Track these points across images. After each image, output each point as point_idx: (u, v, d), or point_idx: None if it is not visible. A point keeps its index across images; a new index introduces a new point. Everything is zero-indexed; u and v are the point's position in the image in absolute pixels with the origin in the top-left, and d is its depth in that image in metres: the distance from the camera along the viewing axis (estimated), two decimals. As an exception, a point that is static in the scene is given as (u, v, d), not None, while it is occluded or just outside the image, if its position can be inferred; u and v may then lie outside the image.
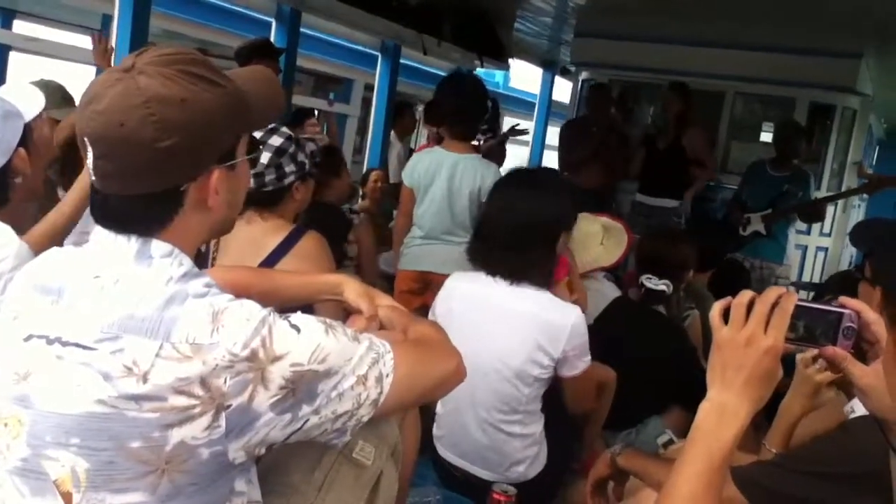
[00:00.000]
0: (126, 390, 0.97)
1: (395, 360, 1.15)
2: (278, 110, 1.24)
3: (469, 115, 3.37)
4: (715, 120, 6.04)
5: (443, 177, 3.31)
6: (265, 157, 2.00)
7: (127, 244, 1.05)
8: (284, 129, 2.10)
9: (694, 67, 5.78)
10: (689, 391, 2.79)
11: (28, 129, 1.47)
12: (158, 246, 1.05)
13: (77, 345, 1.00)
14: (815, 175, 5.73)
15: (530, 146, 8.47)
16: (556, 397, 2.29)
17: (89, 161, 1.03)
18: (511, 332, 2.18)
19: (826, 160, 5.98)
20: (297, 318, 1.09)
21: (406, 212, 3.47)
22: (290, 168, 2.07)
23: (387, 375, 1.14)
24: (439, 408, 2.35)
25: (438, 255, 3.33)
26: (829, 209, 5.72)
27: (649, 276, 2.96)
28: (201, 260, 1.85)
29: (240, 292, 1.17)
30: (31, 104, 1.61)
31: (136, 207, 1.04)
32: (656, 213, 5.58)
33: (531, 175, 2.42)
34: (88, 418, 0.98)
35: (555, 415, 2.31)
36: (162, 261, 1.05)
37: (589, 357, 2.22)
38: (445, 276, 3.25)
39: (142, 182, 1.03)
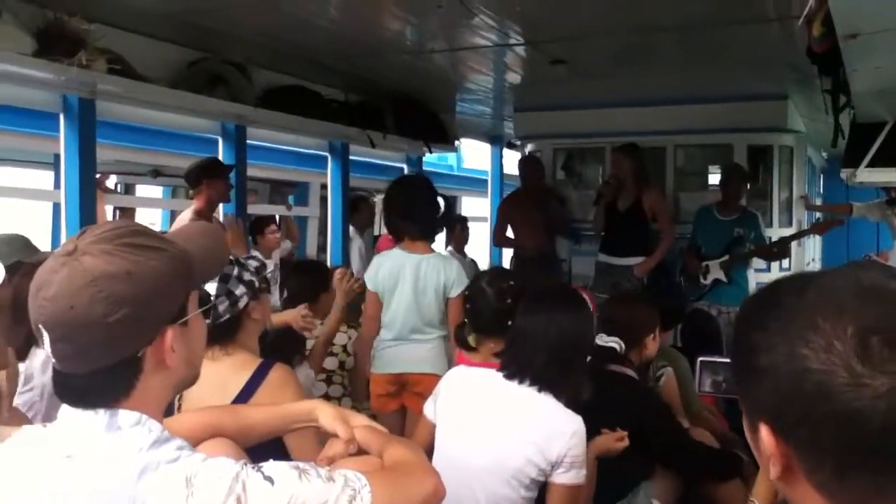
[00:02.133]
0: None
1: (373, 491, 1.16)
2: (222, 263, 1.29)
3: (421, 218, 3.45)
4: (660, 174, 6.23)
5: (407, 278, 3.37)
6: (212, 289, 2.00)
7: (95, 418, 1.07)
8: None
9: (632, 126, 6.01)
10: (672, 452, 2.83)
11: None
12: (126, 416, 1.08)
13: None
14: (765, 212, 5.94)
15: (489, 220, 8.60)
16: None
17: (47, 346, 1.06)
18: (512, 433, 2.18)
19: (773, 197, 6.18)
20: (270, 468, 1.10)
21: (373, 315, 3.50)
22: (240, 290, 2.07)
23: None
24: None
25: (411, 355, 3.39)
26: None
27: (601, 334, 3.03)
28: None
29: (214, 434, 1.18)
30: None
31: (98, 381, 1.07)
32: (619, 271, 5.68)
33: (565, 294, 2.50)
34: None
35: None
36: (131, 430, 1.07)
37: (584, 472, 2.21)
38: (421, 375, 3.33)
39: (100, 357, 1.06)
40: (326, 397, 3.42)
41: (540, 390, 2.20)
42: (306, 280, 3.52)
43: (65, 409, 1.10)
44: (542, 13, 3.82)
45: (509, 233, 6.35)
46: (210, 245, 1.24)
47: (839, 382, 0.70)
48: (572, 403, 2.22)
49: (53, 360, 1.08)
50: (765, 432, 0.77)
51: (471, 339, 2.51)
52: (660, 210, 5.63)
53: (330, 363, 3.52)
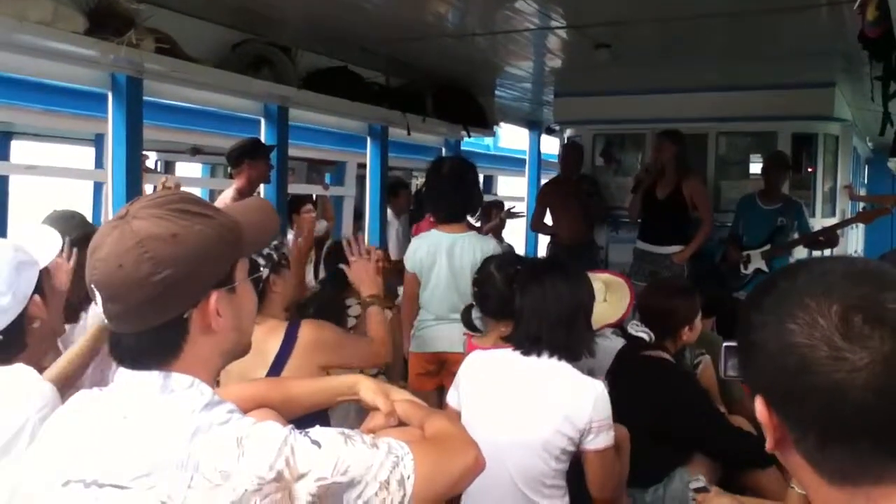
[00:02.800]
0: None
1: (415, 460, 1.18)
2: (271, 234, 1.31)
3: (450, 202, 3.47)
4: (702, 161, 6.14)
5: (443, 258, 3.40)
6: None
7: (149, 380, 1.11)
8: None
9: (673, 113, 5.92)
10: (708, 437, 2.81)
11: (43, 274, 1.54)
12: (179, 378, 1.11)
13: (113, 485, 1.05)
14: (808, 201, 5.83)
15: (525, 203, 8.59)
16: (576, 472, 2.32)
17: (99, 306, 1.11)
18: (537, 406, 2.23)
19: (816, 186, 6.07)
20: (317, 433, 1.14)
21: (411, 296, 3.55)
22: (259, 263, 2.15)
23: (408, 477, 1.17)
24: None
25: (450, 335, 3.39)
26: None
27: (634, 322, 3.03)
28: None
29: (259, 406, 1.20)
30: (47, 249, 1.68)
31: (147, 341, 1.11)
32: (655, 259, 5.64)
33: (557, 265, 2.57)
34: None
35: (577, 488, 2.34)
36: (184, 392, 1.10)
37: (613, 433, 2.26)
38: (460, 355, 3.34)
39: (147, 317, 1.09)
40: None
41: (558, 359, 2.27)
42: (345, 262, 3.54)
43: (120, 372, 1.13)
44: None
45: (548, 219, 6.34)
46: (261, 218, 1.27)
47: (821, 356, 0.75)
48: (604, 380, 2.27)
49: (106, 321, 1.12)
50: (759, 405, 0.82)
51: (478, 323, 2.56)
52: (701, 198, 5.56)
53: None
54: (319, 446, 1.11)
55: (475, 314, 2.93)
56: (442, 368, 3.43)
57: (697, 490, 2.43)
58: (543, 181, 8.67)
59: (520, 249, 7.70)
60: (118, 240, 1.08)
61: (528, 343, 2.30)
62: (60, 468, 1.10)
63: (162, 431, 1.06)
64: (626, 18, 4.12)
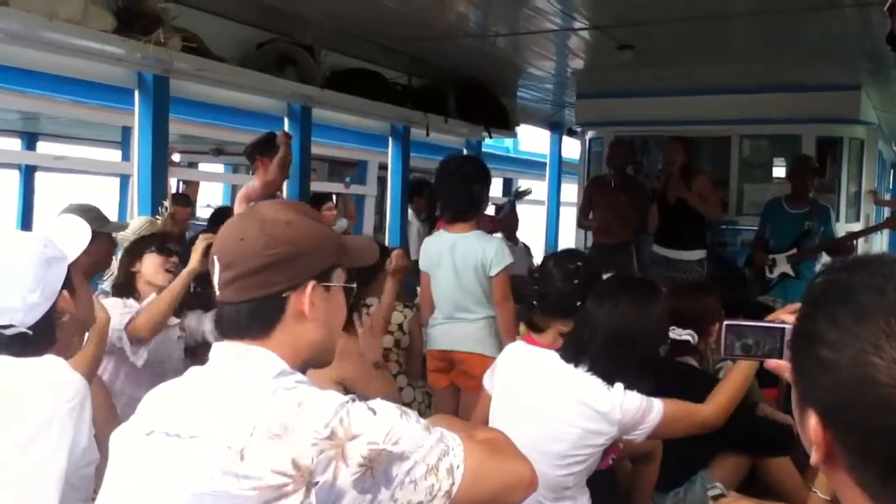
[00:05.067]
0: (229, 468, 1.10)
1: (466, 453, 1.20)
2: (373, 257, 1.43)
3: (454, 201, 3.47)
4: (724, 164, 6.11)
5: (446, 258, 3.42)
6: None
7: (233, 349, 1.25)
8: None
9: (697, 115, 5.90)
10: (733, 437, 2.80)
11: (71, 267, 1.56)
12: (257, 351, 1.23)
13: (192, 436, 1.15)
14: (833, 206, 5.77)
15: (546, 205, 8.57)
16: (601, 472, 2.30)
17: (216, 275, 1.26)
18: (561, 416, 2.18)
19: (840, 191, 6.01)
20: (376, 402, 1.21)
21: (426, 294, 3.59)
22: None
23: (457, 467, 1.19)
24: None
25: (456, 334, 3.43)
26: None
27: (673, 327, 2.99)
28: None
29: None
30: (76, 243, 1.70)
31: (246, 312, 1.24)
32: (675, 265, 5.61)
33: (638, 284, 2.45)
34: (201, 497, 1.11)
35: (601, 487, 2.32)
36: (260, 361, 1.22)
37: (654, 412, 2.16)
38: (466, 354, 3.37)
39: (252, 286, 1.23)
40: None
41: (593, 375, 2.18)
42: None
43: (217, 344, 1.28)
44: (610, -3, 3.79)
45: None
46: (365, 244, 1.43)
47: None
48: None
49: (217, 291, 1.26)
50: (814, 421, 0.77)
51: (538, 320, 2.51)
52: (707, 189, 5.49)
53: (386, 341, 3.56)
54: (375, 413, 1.17)
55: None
56: (452, 367, 3.45)
57: (715, 498, 2.42)
58: (564, 184, 8.71)
59: (537, 250, 7.69)
60: (245, 221, 1.29)
61: (573, 352, 2.23)
62: (147, 421, 1.23)
63: (236, 391, 1.18)
64: (650, 19, 4.10)
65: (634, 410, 2.13)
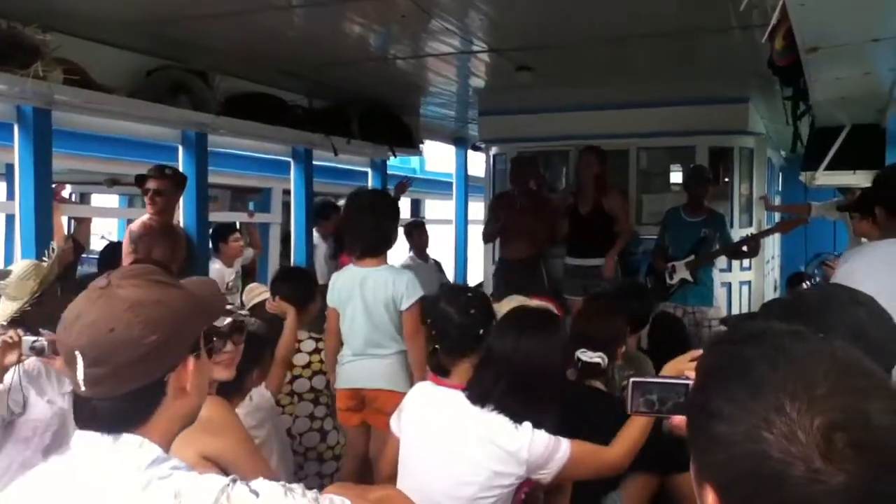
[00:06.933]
0: None
1: None
2: (224, 306, 1.41)
3: (362, 234, 3.43)
4: (624, 176, 6.27)
5: (357, 293, 3.36)
6: None
7: (101, 441, 1.15)
8: None
9: (596, 130, 6.03)
10: (641, 456, 2.84)
11: None
12: (128, 439, 1.15)
13: None
14: (726, 212, 6.01)
15: (454, 223, 8.59)
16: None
17: (79, 373, 1.14)
18: (469, 458, 2.14)
19: (733, 198, 6.27)
20: (258, 483, 1.17)
21: (332, 330, 3.49)
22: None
23: None
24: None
25: (368, 371, 3.37)
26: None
27: (583, 349, 3.00)
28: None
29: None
30: None
31: (124, 404, 1.16)
32: (589, 272, 5.71)
33: (537, 317, 2.38)
34: None
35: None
36: (130, 452, 1.14)
37: (561, 452, 2.14)
38: (377, 391, 3.31)
39: (132, 378, 1.15)
40: (311, 416, 3.39)
41: (500, 414, 2.14)
42: (294, 287, 3.45)
43: (77, 436, 1.18)
44: (507, 22, 3.82)
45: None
46: (212, 291, 1.38)
47: (796, 475, 0.70)
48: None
49: (83, 388, 1.15)
50: (711, 497, 0.78)
51: (444, 363, 2.46)
52: (620, 209, 5.68)
53: (318, 382, 3.46)
54: (258, 495, 1.14)
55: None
56: (363, 405, 3.39)
57: None
58: (471, 201, 8.75)
59: (448, 267, 7.70)
60: (107, 306, 1.15)
61: (479, 393, 2.18)
62: None
63: (107, 490, 1.11)
64: (546, 43, 4.17)
65: (543, 449, 2.12)
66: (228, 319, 1.77)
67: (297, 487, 1.19)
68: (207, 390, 1.32)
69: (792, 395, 0.72)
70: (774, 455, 0.71)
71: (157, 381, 1.18)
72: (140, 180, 4.23)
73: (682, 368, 2.09)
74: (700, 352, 2.11)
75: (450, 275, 7.59)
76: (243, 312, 2.01)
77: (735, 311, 6.20)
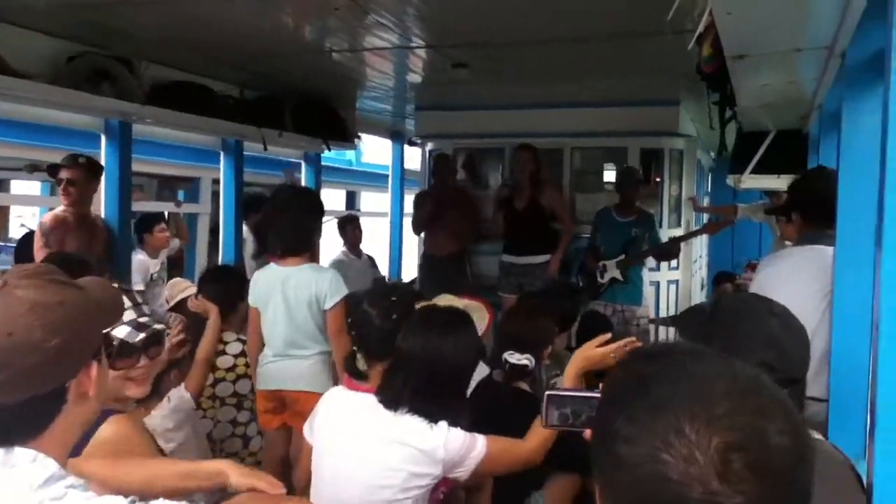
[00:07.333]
0: None
1: None
2: (122, 308, 1.35)
3: (283, 233, 3.37)
4: (558, 175, 6.34)
5: (278, 293, 3.30)
6: None
7: None
8: None
9: (532, 128, 6.08)
10: (562, 456, 2.87)
11: None
12: (21, 453, 1.09)
13: None
14: (656, 212, 6.14)
15: (389, 216, 8.53)
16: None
17: None
18: (384, 461, 2.12)
19: (663, 198, 6.40)
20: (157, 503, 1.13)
21: (254, 330, 3.42)
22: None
23: None
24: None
25: (289, 372, 3.30)
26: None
27: (511, 351, 3.01)
28: None
29: (118, 485, 1.20)
30: None
31: (23, 412, 1.09)
32: (524, 271, 5.76)
33: (448, 317, 2.34)
34: None
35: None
36: (23, 469, 1.08)
37: (477, 449, 2.14)
38: (299, 393, 3.26)
39: (32, 385, 1.08)
40: (234, 422, 3.31)
41: (414, 416, 2.13)
42: (223, 287, 3.35)
43: None
44: (444, 19, 3.79)
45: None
46: (111, 293, 1.30)
47: (695, 497, 0.70)
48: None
49: None
50: None
51: (360, 365, 2.42)
52: (559, 207, 5.76)
53: (243, 386, 3.36)
54: None
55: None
56: (283, 407, 3.33)
57: None
58: (407, 195, 8.71)
59: (382, 261, 7.65)
60: (5, 308, 1.09)
61: (391, 396, 2.16)
62: None
63: None
64: (482, 40, 4.15)
65: (458, 446, 2.12)
66: (142, 335, 1.71)
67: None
68: (106, 395, 1.27)
69: (691, 416, 0.72)
70: (674, 477, 0.70)
71: (59, 387, 1.12)
72: (53, 170, 4.08)
73: (589, 354, 2.14)
74: (608, 335, 2.13)
75: (384, 269, 7.54)
76: (158, 326, 1.89)
77: (663, 309, 6.34)
